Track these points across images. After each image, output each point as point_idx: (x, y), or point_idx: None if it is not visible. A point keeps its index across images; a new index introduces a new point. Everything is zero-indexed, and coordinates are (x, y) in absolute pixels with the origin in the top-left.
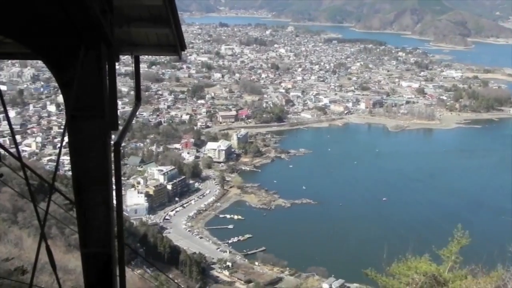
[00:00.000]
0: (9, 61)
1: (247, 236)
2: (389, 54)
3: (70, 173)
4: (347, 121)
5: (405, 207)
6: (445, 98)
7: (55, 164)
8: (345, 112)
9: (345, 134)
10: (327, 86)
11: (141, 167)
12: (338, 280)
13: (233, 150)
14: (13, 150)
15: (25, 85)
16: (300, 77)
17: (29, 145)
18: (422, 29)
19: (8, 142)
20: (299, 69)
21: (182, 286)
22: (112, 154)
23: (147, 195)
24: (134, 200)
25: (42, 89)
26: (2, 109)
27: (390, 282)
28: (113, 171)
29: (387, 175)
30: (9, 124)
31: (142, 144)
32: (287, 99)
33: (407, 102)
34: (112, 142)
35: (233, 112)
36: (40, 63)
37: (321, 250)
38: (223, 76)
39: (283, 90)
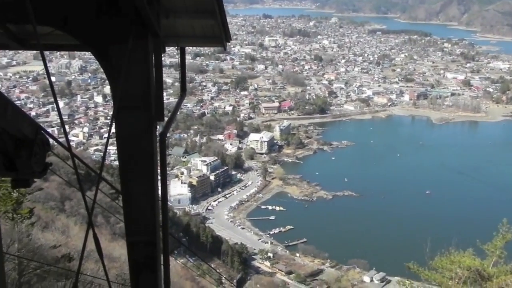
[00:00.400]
0: (58, 53)
1: (288, 227)
2: (434, 45)
3: (116, 163)
4: (390, 113)
5: (449, 200)
6: (491, 90)
7: (101, 154)
8: (389, 104)
9: (389, 126)
10: (370, 78)
11: (185, 157)
12: (379, 273)
13: (275, 141)
14: (62, 140)
15: (73, 76)
16: (344, 69)
17: (76, 135)
18: (468, 20)
19: (56, 131)
20: (343, 61)
21: (224, 276)
22: (158, 145)
23: (191, 185)
24: (177, 190)
25: (89, 80)
26: (51, 99)
27: (432, 276)
28: (158, 161)
29: (431, 168)
30: (59, 114)
31: (186, 135)
32: (330, 91)
33: (452, 94)
34: (157, 133)
35: (276, 104)
36: (87, 54)
37: (362, 242)
38: (266, 68)
39: (326, 82)
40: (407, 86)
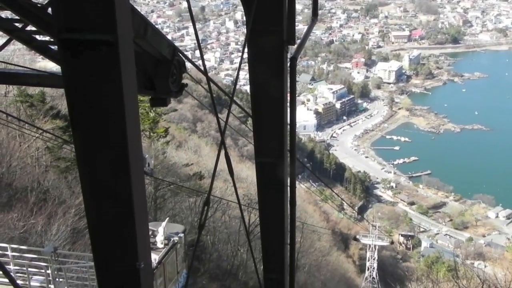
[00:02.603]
0: None
1: (413, 158)
2: None
3: (245, 87)
4: None
5: None
6: None
7: (231, 78)
8: None
9: None
10: (510, 6)
11: (312, 84)
12: (505, 210)
13: (403, 71)
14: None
15: (206, 2)
16: None
17: (208, 60)
18: None
19: (190, 56)
20: None
21: (346, 202)
22: (288, 69)
23: (316, 112)
24: (303, 117)
25: (221, 6)
26: (186, 24)
27: None
28: (288, 86)
29: None
30: (197, 37)
31: (313, 62)
32: (465, 20)
33: None
34: (288, 57)
35: (406, 32)
36: None
37: (490, 178)
38: None
39: (461, 10)
40: None
